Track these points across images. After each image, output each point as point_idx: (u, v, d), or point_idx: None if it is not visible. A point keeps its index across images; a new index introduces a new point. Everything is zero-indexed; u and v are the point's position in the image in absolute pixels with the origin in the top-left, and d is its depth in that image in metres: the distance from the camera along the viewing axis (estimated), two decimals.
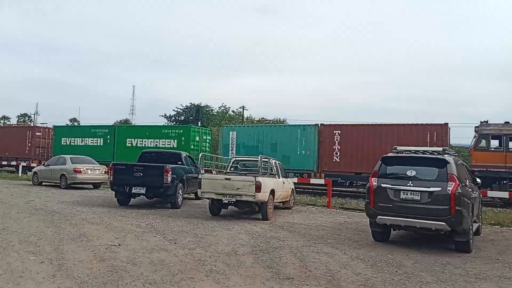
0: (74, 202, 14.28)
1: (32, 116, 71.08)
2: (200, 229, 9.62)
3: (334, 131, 21.78)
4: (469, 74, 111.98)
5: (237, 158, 14.57)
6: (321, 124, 22.72)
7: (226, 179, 11.39)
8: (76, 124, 59.56)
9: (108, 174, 15.98)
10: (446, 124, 19.76)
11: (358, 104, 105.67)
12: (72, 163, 19.82)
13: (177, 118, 54.07)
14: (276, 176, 13.12)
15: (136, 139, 27.25)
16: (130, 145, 27.42)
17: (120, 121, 63.25)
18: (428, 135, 19.65)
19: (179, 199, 13.71)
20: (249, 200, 11.14)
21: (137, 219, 10.87)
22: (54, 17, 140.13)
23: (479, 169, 19.19)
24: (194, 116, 41.60)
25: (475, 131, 20.29)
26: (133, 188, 13.30)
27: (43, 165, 21.24)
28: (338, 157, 21.61)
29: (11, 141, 31.94)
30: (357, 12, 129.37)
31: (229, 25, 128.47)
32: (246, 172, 12.98)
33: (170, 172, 13.15)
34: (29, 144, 31.19)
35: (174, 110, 54.82)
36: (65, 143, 29.94)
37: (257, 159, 12.76)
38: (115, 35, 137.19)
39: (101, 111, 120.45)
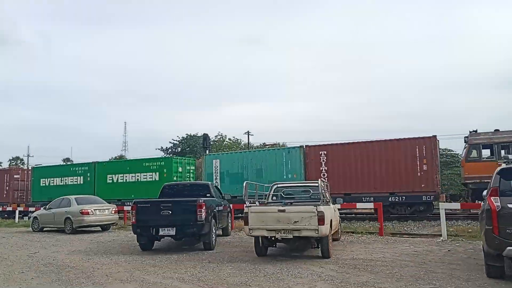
0: (87, 250, 11.99)
1: (25, 158, 69.73)
2: (260, 278, 7.48)
3: (320, 152, 20.95)
4: (451, 88, 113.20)
5: (279, 185, 12.11)
6: (306, 146, 21.91)
7: (279, 211, 9.24)
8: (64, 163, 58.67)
9: (130, 214, 13.22)
10: (435, 136, 19.04)
11: (349, 125, 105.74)
12: (78, 204, 17.65)
13: (174, 150, 52.93)
14: (330, 202, 11.03)
15: (117, 175, 26.17)
16: (111, 181, 26.33)
17: (115, 157, 62.03)
18: (417, 149, 18.86)
19: (213, 238, 11.62)
20: (310, 235, 9.02)
21: (173, 269, 8.62)
22: (43, 60, 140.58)
23: (473, 180, 18.38)
24: (202, 144, 40.29)
25: (465, 142, 19.59)
26: (161, 229, 11.01)
27: (44, 208, 19.01)
28: (326, 178, 20.65)
29: None
30: (339, 36, 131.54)
31: (216, 57, 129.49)
32: (291, 201, 10.63)
33: (204, 207, 10.99)
34: (7, 188, 29.99)
35: (170, 142, 53.62)
36: (44, 184, 28.81)
37: (305, 184, 11.42)
38: (104, 74, 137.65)
39: (94, 149, 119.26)
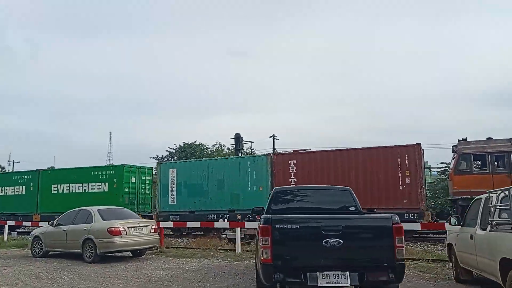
0: None
1: (6, 166, 65.44)
2: None
3: (289, 161, 18.25)
4: (438, 102, 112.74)
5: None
6: (273, 153, 19.22)
7: None
8: None
9: (258, 241, 7.26)
10: (419, 144, 16.53)
11: (335, 138, 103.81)
12: (103, 220, 11.73)
13: (170, 158, 49.00)
14: None
15: (62, 185, 23.00)
16: (56, 191, 23.14)
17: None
18: (399, 158, 16.33)
19: None
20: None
21: None
22: (29, 68, 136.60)
23: (462, 196, 15.81)
24: (234, 146, 36.06)
25: (453, 152, 17.10)
26: (322, 275, 5.75)
27: (50, 224, 13.01)
28: None
29: None
30: (327, 49, 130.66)
31: (204, 68, 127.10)
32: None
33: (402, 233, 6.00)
34: None
35: (167, 151, 49.56)
36: None
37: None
38: (91, 83, 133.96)
39: (79, 159, 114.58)
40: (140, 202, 22.61)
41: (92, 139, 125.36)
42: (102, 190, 21.81)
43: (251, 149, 47.43)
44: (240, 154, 30.94)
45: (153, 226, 12.44)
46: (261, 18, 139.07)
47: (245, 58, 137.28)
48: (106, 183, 21.80)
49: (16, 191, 24.37)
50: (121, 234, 11.34)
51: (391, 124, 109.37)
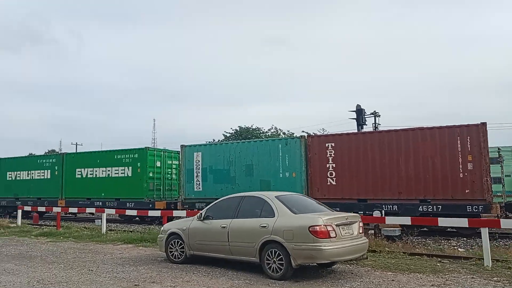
0: None
1: (58, 152, 67.27)
2: None
3: (327, 144, 15.94)
4: (479, 90, 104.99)
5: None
6: (308, 136, 16.95)
7: None
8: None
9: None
10: (484, 124, 13.71)
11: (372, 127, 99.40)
12: (292, 212, 7.58)
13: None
14: None
15: (86, 169, 21.86)
16: (79, 176, 22.07)
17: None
18: (459, 140, 13.64)
19: None
20: None
21: None
22: (74, 59, 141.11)
23: None
24: (356, 120, 31.62)
25: None
26: None
27: (198, 218, 8.83)
28: (334, 178, 15.68)
29: None
30: (364, 35, 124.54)
31: (241, 57, 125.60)
32: None
33: None
34: None
35: (223, 135, 48.56)
36: (10, 178, 24.88)
37: None
38: (132, 73, 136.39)
39: (123, 146, 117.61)
40: (166, 188, 21.15)
41: (137, 126, 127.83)
42: (126, 175, 20.47)
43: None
44: (361, 129, 28.16)
45: (360, 224, 7.87)
46: (297, 5, 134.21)
47: (283, 46, 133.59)
48: (130, 167, 20.42)
49: (42, 175, 23.57)
50: (330, 237, 6.97)
51: (433, 112, 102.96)
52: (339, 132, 16.66)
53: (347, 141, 15.63)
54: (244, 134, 44.40)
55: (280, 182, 16.58)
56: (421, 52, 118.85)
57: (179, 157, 22.03)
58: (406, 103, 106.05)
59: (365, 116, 30.68)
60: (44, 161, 23.79)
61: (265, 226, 7.42)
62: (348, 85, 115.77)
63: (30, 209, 20.31)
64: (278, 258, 7.13)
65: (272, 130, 47.42)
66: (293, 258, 6.96)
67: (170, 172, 21.42)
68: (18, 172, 24.57)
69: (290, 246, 6.99)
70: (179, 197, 19.62)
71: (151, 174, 20.21)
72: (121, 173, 20.69)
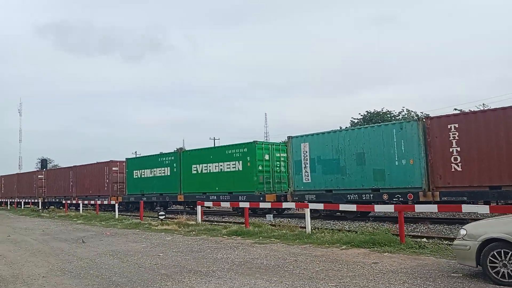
0: None
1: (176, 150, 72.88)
2: None
3: (449, 126, 14.17)
4: None
5: None
6: (426, 118, 15.29)
7: None
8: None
9: None
10: None
11: (499, 103, 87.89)
12: None
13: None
14: None
15: (201, 165, 22.92)
16: (195, 172, 23.20)
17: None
18: None
19: None
20: None
21: None
22: (190, 62, 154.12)
23: None
24: None
25: None
26: None
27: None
28: (459, 164, 13.85)
29: (92, 179, 30.68)
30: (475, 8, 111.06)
31: (348, 40, 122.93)
32: None
33: None
34: (107, 180, 29.36)
35: (351, 121, 46.90)
36: (137, 176, 27.31)
37: None
38: (241, 70, 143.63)
39: (237, 140, 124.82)
40: (276, 180, 21.09)
41: (248, 121, 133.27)
42: (237, 169, 20.91)
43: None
44: None
45: None
46: None
47: (392, 24, 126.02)
48: (240, 162, 20.79)
49: (163, 172, 25.37)
50: None
51: None
52: (464, 112, 14.69)
53: (474, 121, 13.68)
54: (375, 119, 42.15)
55: (395, 170, 15.26)
56: None
57: (286, 149, 21.84)
58: None
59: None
60: (164, 159, 25.60)
61: None
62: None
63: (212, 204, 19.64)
64: None
65: (403, 113, 44.30)
66: None
67: (278, 165, 21.32)
68: (143, 170, 26.83)
69: None
70: (288, 189, 19.39)
71: (260, 168, 20.31)
72: (232, 167, 21.19)
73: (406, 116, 43.37)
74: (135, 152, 66.11)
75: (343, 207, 13.53)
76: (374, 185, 15.83)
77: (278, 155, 21.38)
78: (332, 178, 17.05)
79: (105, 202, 26.88)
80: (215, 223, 17.15)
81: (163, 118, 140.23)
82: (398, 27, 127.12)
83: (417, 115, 42.99)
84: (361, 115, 45.75)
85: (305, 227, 12.06)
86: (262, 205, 16.60)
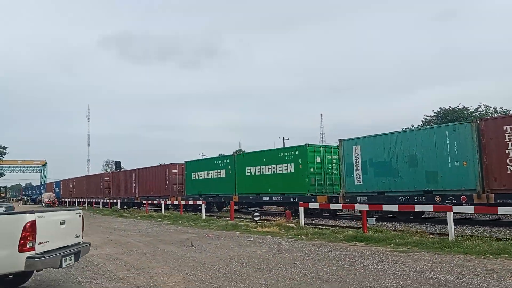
0: None
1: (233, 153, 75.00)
2: None
3: (504, 127, 13.95)
4: None
5: None
6: (481, 119, 15.11)
7: None
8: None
9: None
10: None
11: None
12: None
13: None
14: None
15: (254, 167, 23.83)
16: (249, 174, 24.15)
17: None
18: None
19: None
20: None
21: None
22: (245, 67, 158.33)
23: None
24: None
25: None
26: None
27: None
28: None
29: (154, 180, 32.67)
30: None
31: (407, 39, 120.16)
32: None
33: None
34: (167, 182, 31.15)
35: (424, 118, 45.35)
36: (194, 178, 28.79)
37: None
38: (295, 73, 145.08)
39: (294, 144, 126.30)
40: (328, 182, 21.49)
41: (303, 123, 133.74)
42: (289, 171, 21.57)
43: None
44: None
45: None
46: None
47: (453, 21, 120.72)
48: (292, 164, 21.44)
49: (218, 174, 26.59)
50: None
51: None
52: None
53: None
54: (450, 117, 40.95)
55: (448, 172, 15.20)
56: None
57: (338, 152, 22.17)
58: None
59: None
60: (219, 161, 26.83)
61: None
62: None
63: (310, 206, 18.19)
64: None
65: (481, 109, 42.82)
66: None
67: (330, 167, 21.69)
68: (200, 172, 28.25)
69: None
70: (340, 191, 19.73)
71: (312, 170, 20.81)
72: (285, 169, 21.88)
73: (483, 112, 41.76)
74: (202, 154, 68.92)
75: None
76: (427, 187, 15.84)
77: (330, 157, 21.76)
78: (384, 181, 17.22)
79: (168, 202, 28.76)
80: (319, 226, 15.61)
81: (220, 121, 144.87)
82: (458, 26, 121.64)
83: (496, 111, 41.30)
84: (435, 112, 44.50)
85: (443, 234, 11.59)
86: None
